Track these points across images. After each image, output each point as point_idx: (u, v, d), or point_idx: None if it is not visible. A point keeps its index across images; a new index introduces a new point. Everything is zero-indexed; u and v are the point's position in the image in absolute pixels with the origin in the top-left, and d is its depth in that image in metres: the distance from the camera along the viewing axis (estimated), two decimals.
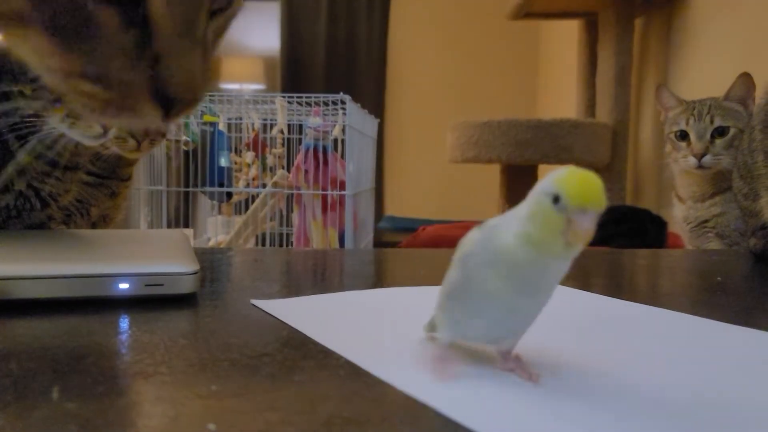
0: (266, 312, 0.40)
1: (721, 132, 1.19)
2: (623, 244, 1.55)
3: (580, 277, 0.60)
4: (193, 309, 0.41)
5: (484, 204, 2.67)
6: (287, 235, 1.83)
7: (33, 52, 0.25)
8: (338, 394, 0.26)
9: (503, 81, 3.40)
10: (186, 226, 1.57)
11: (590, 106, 2.27)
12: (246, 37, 3.59)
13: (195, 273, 0.42)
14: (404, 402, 0.26)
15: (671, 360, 0.32)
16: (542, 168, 2.04)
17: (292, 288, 0.50)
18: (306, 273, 0.60)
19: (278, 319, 0.38)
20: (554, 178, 0.25)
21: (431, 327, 0.33)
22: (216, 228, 1.75)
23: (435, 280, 0.53)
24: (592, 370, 0.30)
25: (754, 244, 0.72)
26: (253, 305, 0.42)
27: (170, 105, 0.26)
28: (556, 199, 0.24)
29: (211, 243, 1.70)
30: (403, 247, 1.31)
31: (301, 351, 0.32)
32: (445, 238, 1.33)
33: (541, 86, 3.40)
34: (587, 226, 0.24)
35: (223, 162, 1.44)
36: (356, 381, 0.28)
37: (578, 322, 0.39)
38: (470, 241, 0.28)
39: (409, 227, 2.36)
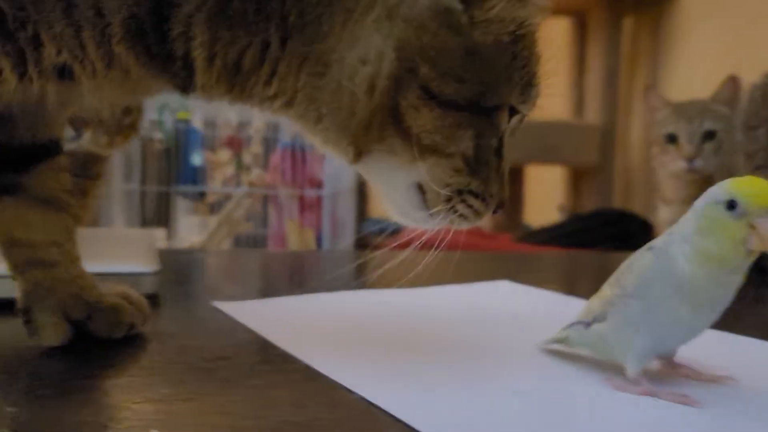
0: (228, 315, 0.39)
1: (710, 135, 1.19)
2: (609, 248, 1.56)
3: (568, 280, 0.60)
4: (153, 310, 0.40)
5: None
6: (265, 237, 1.81)
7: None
8: (292, 398, 0.26)
9: None
10: (162, 226, 1.55)
11: (579, 106, 2.26)
12: None
13: (155, 273, 0.41)
14: (358, 406, 0.25)
15: None
16: (529, 169, 2.03)
17: (260, 290, 0.49)
18: (276, 275, 0.59)
19: (240, 322, 0.37)
20: (725, 185, 0.24)
21: (559, 340, 0.31)
22: (191, 229, 1.73)
23: (407, 282, 0.53)
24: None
25: None
26: (215, 307, 0.41)
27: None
28: (731, 206, 0.23)
29: (186, 244, 1.68)
30: (382, 249, 1.30)
31: (259, 355, 0.32)
32: (421, 239, 1.32)
33: None
34: None
35: (197, 161, 1.43)
36: (312, 385, 0.27)
37: None
38: (646, 267, 0.27)
39: (393, 230, 2.35)
